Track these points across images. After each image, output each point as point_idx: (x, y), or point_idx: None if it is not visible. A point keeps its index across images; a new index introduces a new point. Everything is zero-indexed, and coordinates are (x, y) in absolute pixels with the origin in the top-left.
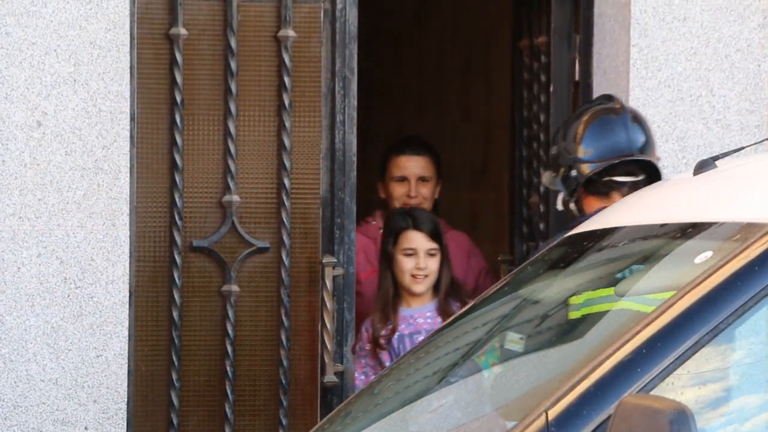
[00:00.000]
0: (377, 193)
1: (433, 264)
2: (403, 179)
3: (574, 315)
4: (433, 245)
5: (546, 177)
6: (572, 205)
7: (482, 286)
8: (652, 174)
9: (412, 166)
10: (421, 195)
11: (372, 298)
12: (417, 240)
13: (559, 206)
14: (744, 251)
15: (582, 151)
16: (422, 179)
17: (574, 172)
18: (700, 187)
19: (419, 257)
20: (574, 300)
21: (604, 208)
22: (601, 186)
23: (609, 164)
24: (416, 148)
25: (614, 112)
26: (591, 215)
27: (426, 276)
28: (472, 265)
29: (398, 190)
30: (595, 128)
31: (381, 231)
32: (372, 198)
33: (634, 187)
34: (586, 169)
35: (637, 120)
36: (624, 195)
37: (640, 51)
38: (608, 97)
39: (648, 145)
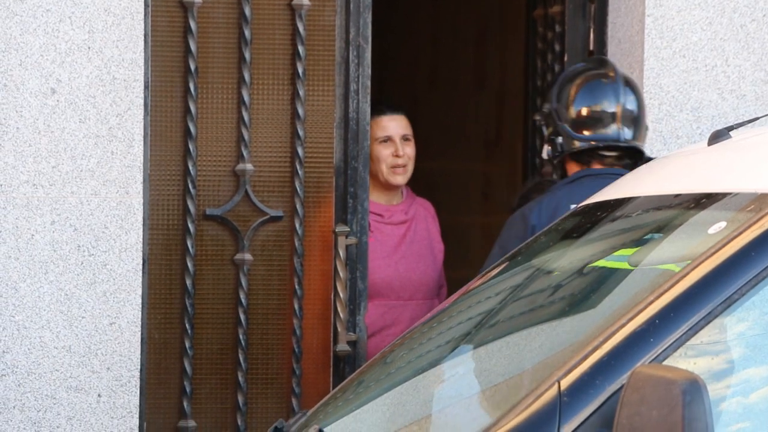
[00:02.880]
0: None
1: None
2: (388, 139)
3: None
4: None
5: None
6: (546, 157)
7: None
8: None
9: (395, 125)
10: (407, 155)
11: (370, 266)
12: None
13: (545, 155)
14: (758, 221)
15: (572, 119)
16: (405, 138)
17: (560, 139)
18: (715, 158)
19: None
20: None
21: (582, 171)
22: (585, 155)
23: (595, 146)
24: (395, 107)
25: (607, 78)
26: (565, 181)
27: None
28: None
29: (383, 152)
30: (586, 94)
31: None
32: None
33: (618, 159)
34: (574, 142)
35: (630, 86)
36: (604, 164)
37: (655, 21)
38: (602, 62)
39: (639, 118)
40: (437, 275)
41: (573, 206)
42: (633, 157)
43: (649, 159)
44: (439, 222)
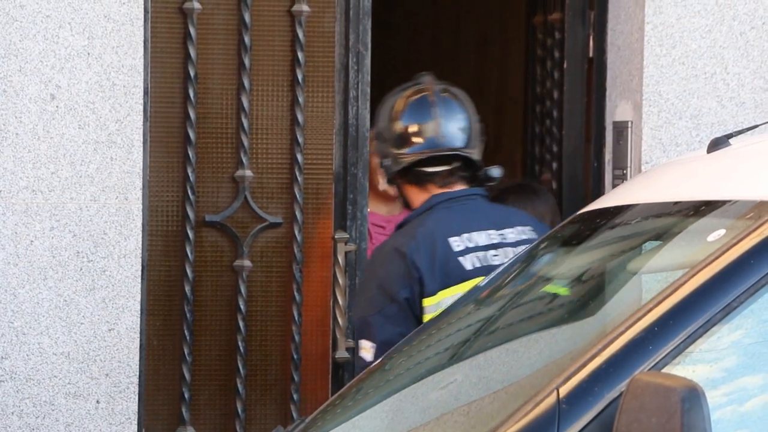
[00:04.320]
0: None
1: None
2: None
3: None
4: None
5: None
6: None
7: None
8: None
9: None
10: None
11: None
12: None
13: (383, 185)
14: (757, 229)
15: (394, 139)
16: None
17: (388, 161)
18: (714, 165)
19: None
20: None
21: (429, 199)
22: (413, 176)
23: (418, 159)
24: None
25: (422, 93)
26: (419, 211)
27: None
28: None
29: (377, 161)
30: (404, 113)
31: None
32: None
33: (450, 174)
34: (400, 160)
35: (453, 98)
36: (440, 185)
37: (655, 28)
38: (421, 79)
39: (467, 128)
40: None
41: (452, 239)
42: (467, 170)
43: (487, 170)
44: None
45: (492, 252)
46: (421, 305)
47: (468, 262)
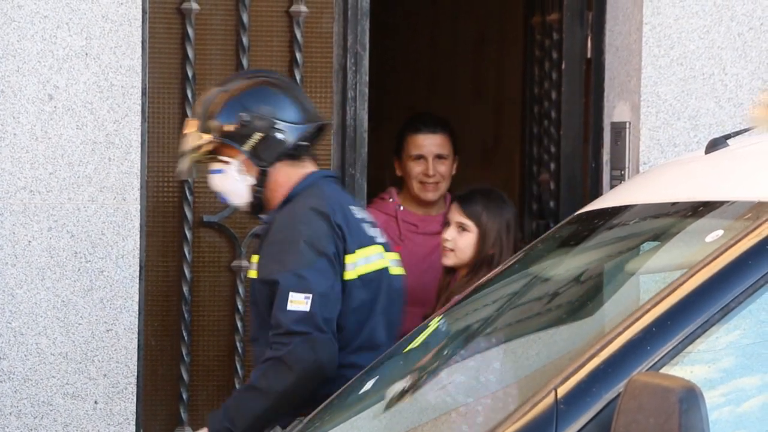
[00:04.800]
0: (393, 171)
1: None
2: (420, 157)
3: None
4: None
5: (187, 161)
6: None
7: None
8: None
9: (429, 144)
10: (438, 173)
11: None
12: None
13: (239, 200)
14: (755, 230)
15: (282, 116)
16: (439, 157)
17: (280, 135)
18: (712, 166)
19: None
20: None
21: (311, 174)
22: (293, 153)
23: (315, 126)
24: (432, 126)
25: (274, 79)
26: (304, 185)
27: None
28: None
29: (416, 169)
30: (281, 95)
31: (400, 208)
32: (383, 175)
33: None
34: (293, 131)
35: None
36: (312, 159)
37: (653, 29)
38: (266, 72)
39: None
40: None
41: (351, 208)
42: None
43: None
44: None
45: (368, 225)
46: (343, 261)
47: (368, 229)
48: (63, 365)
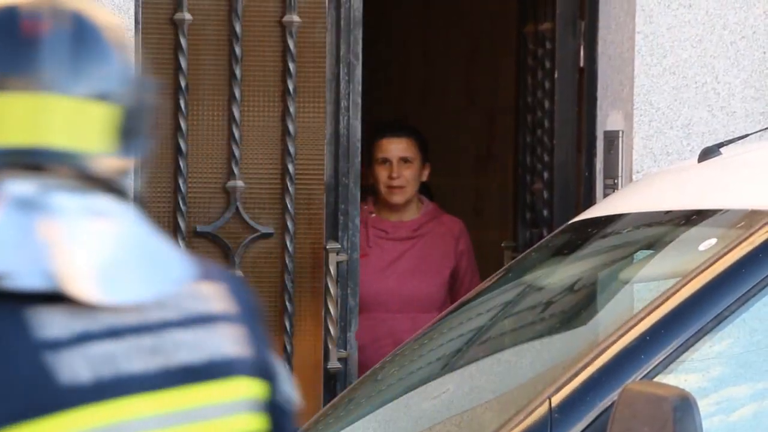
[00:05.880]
0: (366, 179)
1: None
2: (386, 161)
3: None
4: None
5: None
6: None
7: (463, 268)
8: None
9: (393, 148)
10: (403, 176)
11: (363, 280)
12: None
13: None
14: (748, 238)
15: None
16: (404, 160)
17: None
18: (705, 175)
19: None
20: None
21: None
22: None
23: None
24: (396, 130)
25: None
26: None
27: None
28: (459, 249)
29: (382, 173)
30: None
31: (372, 215)
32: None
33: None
34: None
35: None
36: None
37: (645, 38)
38: None
39: None
40: (437, 290)
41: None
42: None
43: None
44: (466, 232)
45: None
46: None
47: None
48: None
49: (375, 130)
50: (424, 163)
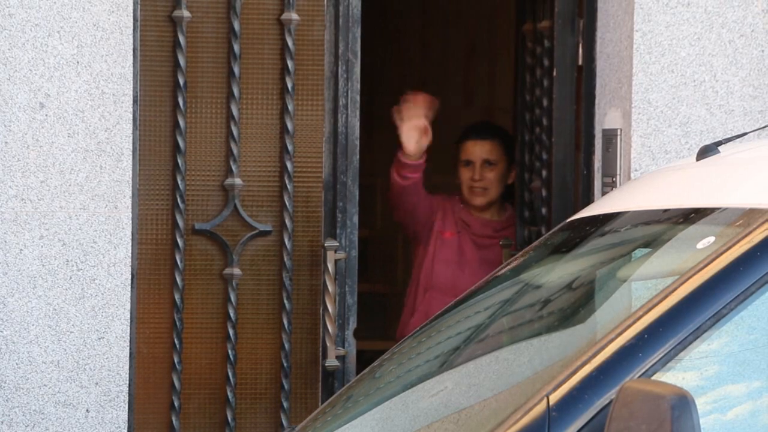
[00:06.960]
0: (386, 179)
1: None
2: (470, 163)
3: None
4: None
5: None
6: None
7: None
8: None
9: (477, 150)
10: (486, 179)
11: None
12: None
13: None
14: (746, 237)
15: None
16: (487, 162)
17: None
18: (703, 173)
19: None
20: None
21: None
22: None
23: None
24: (482, 132)
25: None
26: None
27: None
28: None
29: (465, 174)
30: None
31: (461, 205)
32: (374, 183)
33: None
34: None
35: None
36: None
37: (644, 36)
38: None
39: None
40: None
41: None
42: None
43: None
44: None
45: None
46: None
47: None
48: (55, 374)
49: (462, 131)
50: (511, 165)
